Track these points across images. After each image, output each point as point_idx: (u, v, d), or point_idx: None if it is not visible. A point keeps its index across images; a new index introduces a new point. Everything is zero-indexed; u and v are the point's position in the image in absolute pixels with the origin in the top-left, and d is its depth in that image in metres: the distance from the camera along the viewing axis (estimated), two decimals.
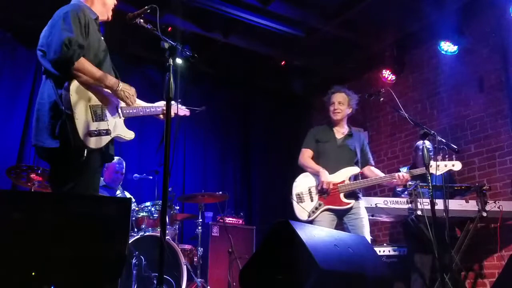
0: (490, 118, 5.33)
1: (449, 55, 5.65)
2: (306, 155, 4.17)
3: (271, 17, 5.82)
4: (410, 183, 4.48)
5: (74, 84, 2.57)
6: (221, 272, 5.42)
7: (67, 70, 2.56)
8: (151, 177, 5.39)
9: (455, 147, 3.95)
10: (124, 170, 5.29)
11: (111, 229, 2.12)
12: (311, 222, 3.90)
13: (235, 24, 5.94)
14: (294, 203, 4.04)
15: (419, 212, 4.35)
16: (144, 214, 4.72)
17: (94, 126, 2.63)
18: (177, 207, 5.22)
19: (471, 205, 4.51)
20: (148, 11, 2.69)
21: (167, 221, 4.74)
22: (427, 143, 3.84)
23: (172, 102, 2.82)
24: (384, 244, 5.24)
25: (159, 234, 2.85)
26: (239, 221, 5.94)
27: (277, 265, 2.85)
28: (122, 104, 2.88)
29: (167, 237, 4.67)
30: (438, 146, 3.87)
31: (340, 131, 4.21)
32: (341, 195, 3.94)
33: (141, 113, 3.04)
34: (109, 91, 2.77)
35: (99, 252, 2.08)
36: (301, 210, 3.97)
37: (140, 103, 3.04)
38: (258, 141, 7.38)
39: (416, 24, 5.88)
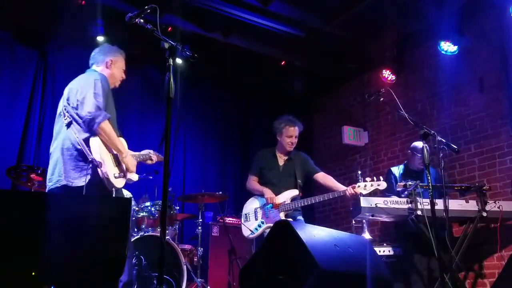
0: (490, 118, 5.32)
1: (449, 55, 5.64)
2: (251, 180, 4.65)
3: (271, 17, 5.81)
4: (410, 183, 4.49)
5: (97, 139, 3.13)
6: (221, 272, 5.41)
7: (93, 127, 3.08)
8: (151, 177, 5.38)
9: (455, 147, 3.95)
10: None
11: (111, 229, 2.13)
12: (254, 239, 4.48)
13: (235, 24, 5.93)
14: (242, 222, 4.52)
15: (419, 212, 4.34)
16: (144, 214, 4.72)
17: (116, 170, 3.21)
18: (177, 207, 5.21)
19: (471, 205, 4.51)
20: (148, 11, 2.68)
21: (167, 221, 4.74)
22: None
23: None
24: (384, 244, 5.24)
25: (159, 234, 2.85)
26: (239, 221, 5.93)
27: (277, 265, 2.85)
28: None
29: (167, 237, 4.66)
30: (439, 146, 3.87)
31: (283, 157, 4.64)
32: (281, 214, 4.29)
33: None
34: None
35: (99, 252, 2.08)
36: (245, 228, 4.47)
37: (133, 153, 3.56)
38: (258, 141, 7.36)
39: (416, 24, 5.88)
